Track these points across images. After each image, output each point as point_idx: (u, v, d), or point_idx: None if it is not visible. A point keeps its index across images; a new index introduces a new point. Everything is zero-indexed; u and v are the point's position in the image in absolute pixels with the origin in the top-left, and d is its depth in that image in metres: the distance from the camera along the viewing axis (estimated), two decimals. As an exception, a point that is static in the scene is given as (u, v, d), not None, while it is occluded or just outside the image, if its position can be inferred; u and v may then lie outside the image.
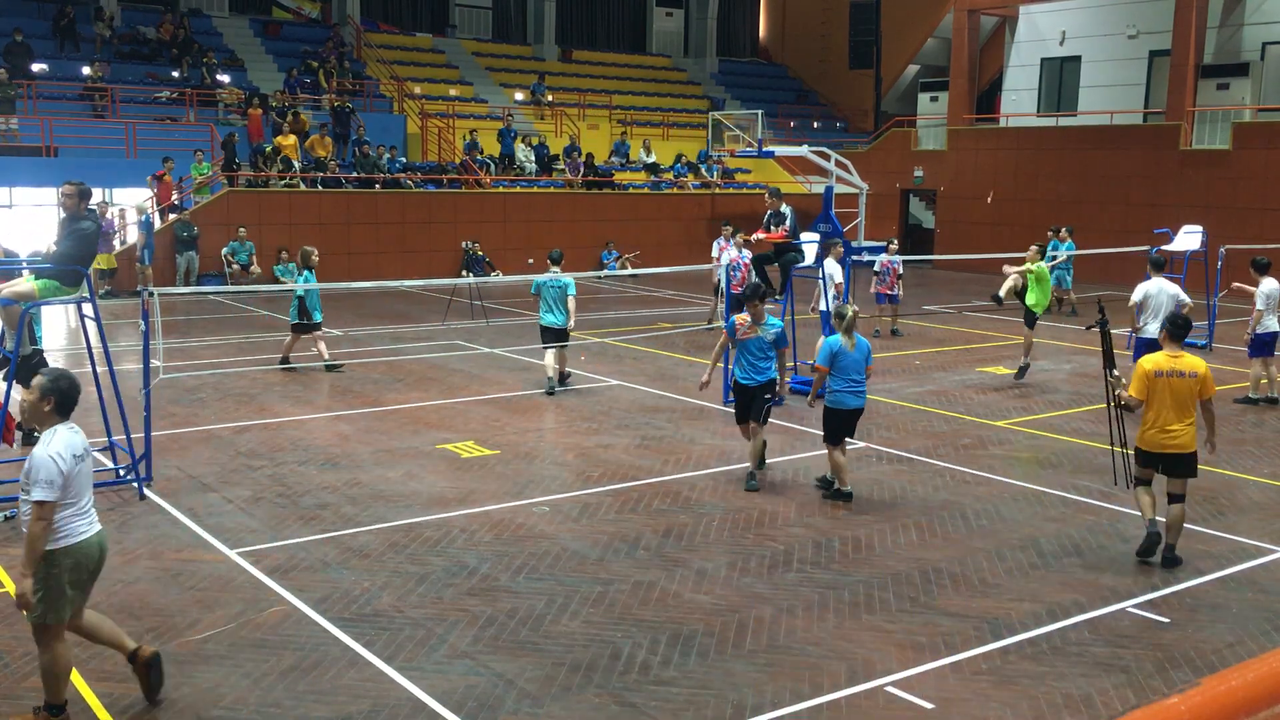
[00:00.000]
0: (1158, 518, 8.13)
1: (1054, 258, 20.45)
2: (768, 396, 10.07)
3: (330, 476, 10.12)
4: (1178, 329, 8.10)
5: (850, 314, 9.53)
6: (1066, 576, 7.89)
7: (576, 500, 9.54)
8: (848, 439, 9.81)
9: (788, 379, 14.19)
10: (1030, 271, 14.65)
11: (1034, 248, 15.06)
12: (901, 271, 19.72)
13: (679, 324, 19.30)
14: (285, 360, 15.16)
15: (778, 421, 12.52)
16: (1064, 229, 22.48)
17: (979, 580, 7.81)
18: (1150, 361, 8.01)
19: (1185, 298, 13.09)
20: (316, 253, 15.58)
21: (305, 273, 15.19)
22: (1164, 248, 18.97)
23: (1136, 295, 13.02)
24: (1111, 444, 8.70)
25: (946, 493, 9.94)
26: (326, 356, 15.05)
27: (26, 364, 9.80)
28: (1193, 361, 8.00)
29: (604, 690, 6.12)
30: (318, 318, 15.21)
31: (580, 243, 27.87)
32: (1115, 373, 8.54)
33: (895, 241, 20.88)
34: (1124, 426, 8.59)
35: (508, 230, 27.58)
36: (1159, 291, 12.80)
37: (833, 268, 15.44)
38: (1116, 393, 8.40)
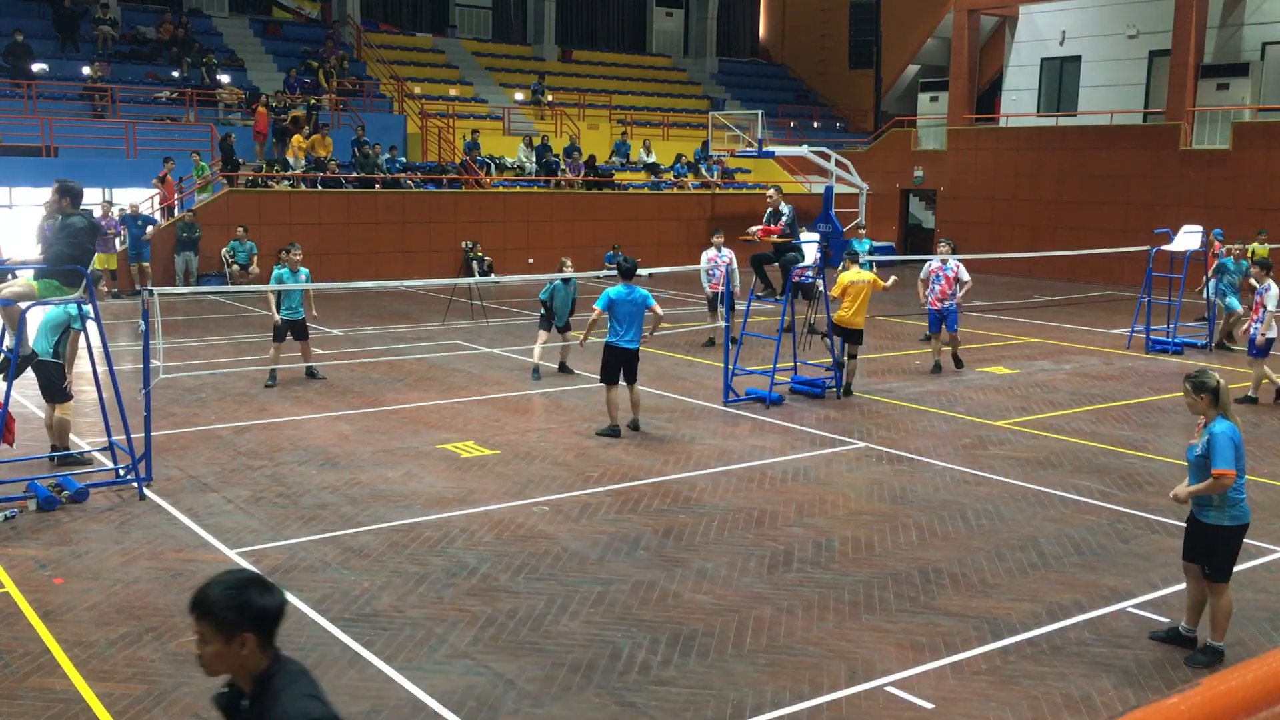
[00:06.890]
0: (845, 364, 14.00)
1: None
2: None
3: (330, 476, 10.12)
4: (855, 257, 14.48)
5: (1222, 384, 6.78)
6: (1066, 576, 7.89)
7: (576, 500, 9.53)
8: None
9: (788, 378, 14.26)
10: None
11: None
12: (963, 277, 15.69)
13: (679, 324, 19.28)
14: (563, 365, 15.29)
15: (778, 421, 12.53)
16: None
17: (979, 580, 7.81)
18: (845, 277, 13.85)
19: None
20: (569, 262, 15.75)
21: (558, 280, 15.01)
22: (1164, 248, 18.96)
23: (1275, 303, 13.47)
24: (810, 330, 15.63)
25: (946, 493, 9.93)
26: (567, 357, 15.32)
27: (26, 364, 9.80)
28: (865, 274, 14.00)
29: (604, 690, 6.12)
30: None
31: (580, 243, 27.85)
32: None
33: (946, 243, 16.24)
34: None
35: (508, 230, 27.58)
36: None
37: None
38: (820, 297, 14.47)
